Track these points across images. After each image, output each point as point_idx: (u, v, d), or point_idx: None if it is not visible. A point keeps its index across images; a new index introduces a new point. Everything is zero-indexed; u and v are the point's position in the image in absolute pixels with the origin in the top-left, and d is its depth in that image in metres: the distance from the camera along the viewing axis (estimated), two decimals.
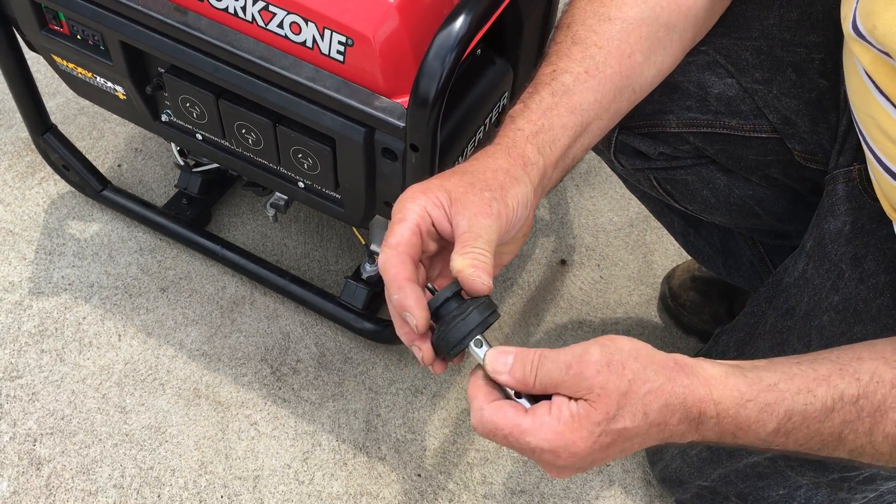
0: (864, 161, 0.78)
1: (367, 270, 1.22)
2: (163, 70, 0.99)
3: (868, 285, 0.76)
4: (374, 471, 1.14)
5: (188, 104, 1.00)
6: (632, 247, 1.41)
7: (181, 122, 1.06)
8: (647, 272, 1.38)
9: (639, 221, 1.44)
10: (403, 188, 0.84)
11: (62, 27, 1.03)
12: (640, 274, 1.37)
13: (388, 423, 1.19)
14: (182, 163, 1.29)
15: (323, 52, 0.87)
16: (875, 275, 0.76)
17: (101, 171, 1.43)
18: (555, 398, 0.56)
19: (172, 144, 1.26)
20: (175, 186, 1.34)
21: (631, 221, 1.44)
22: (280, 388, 1.21)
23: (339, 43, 0.85)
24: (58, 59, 1.09)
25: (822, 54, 0.82)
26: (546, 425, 0.55)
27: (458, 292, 0.59)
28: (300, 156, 0.96)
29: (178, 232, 1.30)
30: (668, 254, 1.40)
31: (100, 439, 1.14)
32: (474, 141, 0.99)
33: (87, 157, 1.36)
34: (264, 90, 0.91)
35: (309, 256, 1.35)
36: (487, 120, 1.00)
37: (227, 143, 1.04)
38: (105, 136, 1.48)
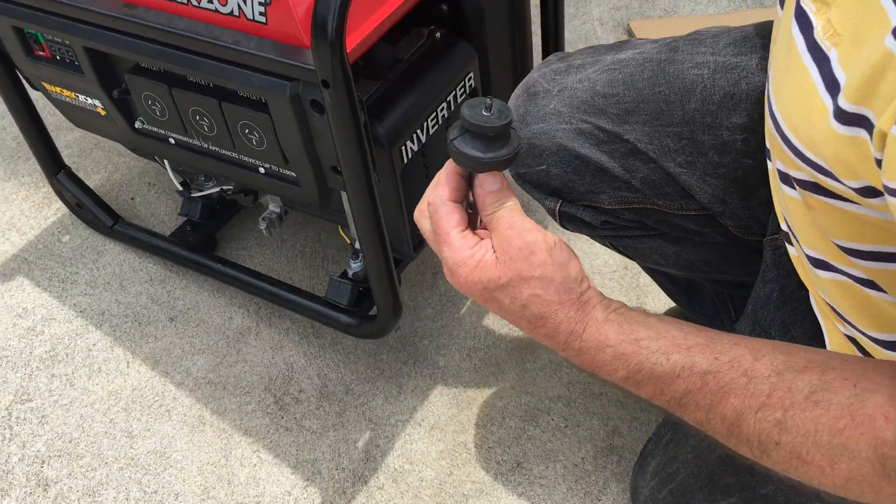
0: None
1: (353, 268, 1.24)
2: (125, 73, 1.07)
3: None
4: (371, 500, 1.17)
5: (150, 101, 1.06)
6: (626, 288, 1.45)
7: (153, 129, 1.12)
8: None
9: (633, 264, 1.49)
10: (335, 140, 0.89)
11: (45, 51, 1.12)
12: None
13: (386, 453, 1.22)
14: (181, 188, 1.35)
15: (248, 17, 0.92)
16: (802, 341, 0.78)
17: (115, 203, 1.49)
18: (485, 241, 0.65)
19: (170, 172, 1.31)
20: (179, 214, 1.39)
21: (626, 264, 1.49)
22: (282, 417, 1.24)
23: (260, 4, 0.91)
24: (49, 87, 1.18)
25: (745, 134, 0.84)
26: (462, 253, 0.64)
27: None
28: (247, 131, 1.01)
29: (180, 255, 1.34)
30: (660, 296, 1.45)
31: (106, 463, 1.17)
32: (436, 119, 1.05)
33: (102, 189, 1.41)
34: (201, 63, 0.97)
35: (314, 291, 1.40)
36: (451, 98, 1.06)
37: (193, 142, 1.09)
38: (119, 171, 1.54)
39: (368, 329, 1.20)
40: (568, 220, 0.98)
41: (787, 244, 0.77)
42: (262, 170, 1.07)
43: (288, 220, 1.41)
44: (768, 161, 0.77)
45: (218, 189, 1.30)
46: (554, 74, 0.93)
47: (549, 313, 0.63)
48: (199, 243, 1.38)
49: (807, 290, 0.78)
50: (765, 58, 0.82)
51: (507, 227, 0.63)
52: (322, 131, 0.95)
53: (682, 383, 0.61)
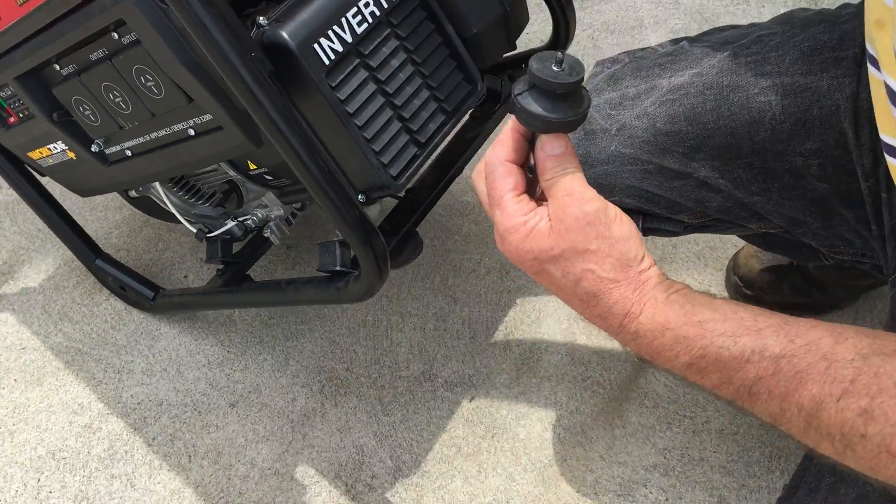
0: None
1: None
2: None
3: None
4: None
5: (80, 106, 1.01)
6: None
7: (108, 149, 1.07)
8: None
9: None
10: (187, 26, 0.77)
11: (12, 116, 1.11)
12: None
13: None
14: (195, 230, 1.27)
15: None
16: None
17: (169, 282, 1.43)
18: (541, 208, 0.62)
19: (183, 221, 1.24)
20: (204, 262, 1.29)
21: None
22: None
23: None
24: (33, 155, 1.16)
25: (820, 159, 0.78)
26: (515, 219, 0.61)
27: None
28: (144, 82, 0.92)
29: (214, 299, 1.27)
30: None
31: None
32: (360, 15, 0.92)
33: (154, 268, 1.35)
34: (65, 26, 0.91)
35: (379, 363, 1.31)
36: None
37: (137, 141, 1.03)
38: (171, 248, 1.48)
39: (355, 289, 0.97)
40: (650, 232, 0.94)
41: None
42: (191, 132, 0.96)
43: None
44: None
45: (234, 223, 1.22)
46: (609, 108, 0.87)
47: (602, 291, 0.60)
48: (232, 281, 1.29)
49: None
50: (836, 75, 0.75)
51: (565, 193, 0.60)
52: (186, 32, 0.83)
53: (753, 369, 0.55)
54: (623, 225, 0.60)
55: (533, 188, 0.65)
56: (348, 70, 0.90)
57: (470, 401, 1.25)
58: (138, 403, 1.26)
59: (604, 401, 1.26)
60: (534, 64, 0.57)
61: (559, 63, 0.57)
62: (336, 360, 1.32)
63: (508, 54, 1.11)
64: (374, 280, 0.91)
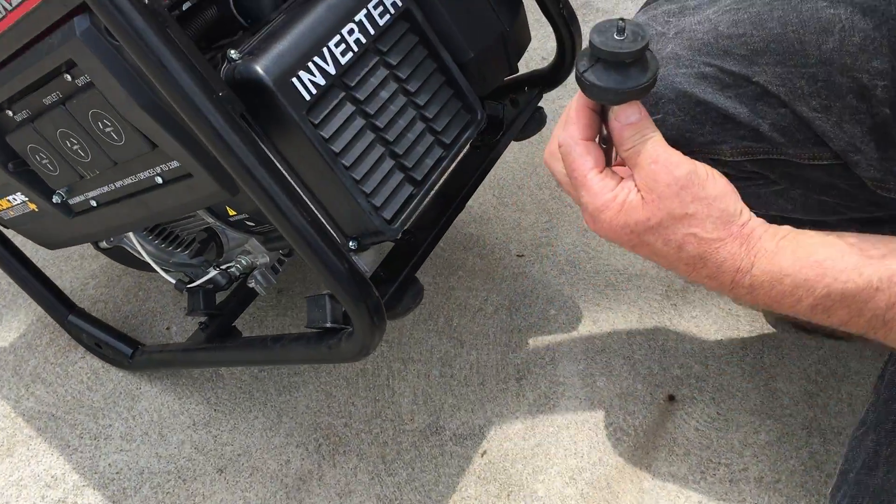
0: None
1: None
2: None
3: None
4: None
5: (37, 156, 0.93)
6: (749, 373, 1.22)
7: (71, 199, 0.98)
8: (771, 402, 1.18)
9: (753, 341, 1.25)
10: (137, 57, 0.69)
11: None
12: (764, 406, 1.18)
13: None
14: (174, 281, 1.17)
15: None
16: None
17: (150, 335, 1.33)
18: (627, 180, 0.61)
19: (161, 272, 1.14)
20: (186, 315, 1.18)
21: (744, 342, 1.25)
22: None
23: None
24: None
25: (886, 82, 0.74)
26: (603, 197, 0.60)
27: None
28: (102, 127, 0.83)
29: (193, 355, 1.16)
30: (792, 378, 1.21)
31: None
32: (345, 44, 0.83)
33: (134, 321, 1.25)
34: (15, 68, 0.84)
35: (381, 416, 1.20)
36: (363, 18, 0.85)
37: (101, 190, 0.94)
38: (151, 297, 1.37)
39: (348, 347, 0.87)
40: None
41: None
42: (159, 179, 0.87)
43: None
44: None
45: (216, 272, 1.11)
46: (667, 17, 0.84)
47: (708, 252, 0.60)
48: (216, 335, 1.18)
49: None
50: None
51: (650, 161, 0.59)
52: (137, 66, 0.74)
53: (883, 297, 0.55)
54: (717, 181, 0.60)
55: (608, 158, 0.64)
56: (332, 105, 0.80)
57: (482, 455, 1.14)
58: (117, 473, 1.15)
59: (629, 449, 1.14)
60: (595, 37, 0.56)
61: (621, 31, 0.56)
62: (333, 414, 1.20)
63: (509, 77, 1.01)
64: (368, 337, 0.81)
